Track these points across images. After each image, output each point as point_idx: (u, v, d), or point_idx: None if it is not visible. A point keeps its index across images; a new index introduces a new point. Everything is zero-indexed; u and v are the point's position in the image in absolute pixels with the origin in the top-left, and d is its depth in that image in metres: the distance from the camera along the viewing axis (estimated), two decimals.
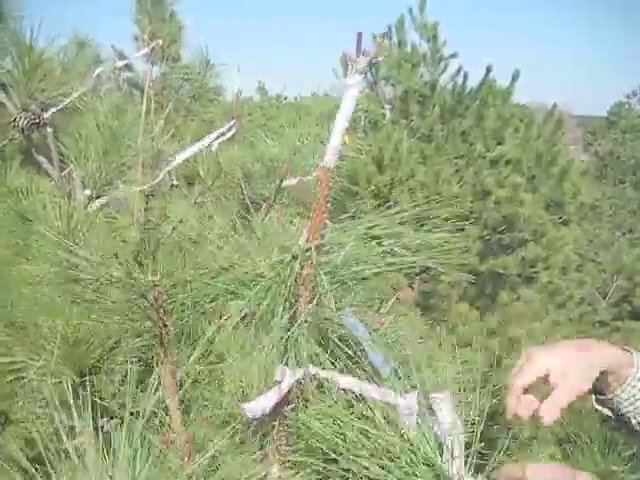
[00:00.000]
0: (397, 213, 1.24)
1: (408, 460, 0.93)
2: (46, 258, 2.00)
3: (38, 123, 2.11)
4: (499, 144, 9.51)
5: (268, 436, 1.15)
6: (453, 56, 10.26)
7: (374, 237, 1.21)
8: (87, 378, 2.08)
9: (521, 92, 10.19)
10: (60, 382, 2.10)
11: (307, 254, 1.15)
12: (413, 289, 9.91)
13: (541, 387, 1.19)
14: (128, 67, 4.23)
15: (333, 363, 1.16)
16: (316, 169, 1.19)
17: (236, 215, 3.75)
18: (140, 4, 3.60)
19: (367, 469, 0.94)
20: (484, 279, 9.50)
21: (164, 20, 3.59)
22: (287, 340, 1.11)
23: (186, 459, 1.18)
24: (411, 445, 0.94)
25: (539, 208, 8.98)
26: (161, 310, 1.16)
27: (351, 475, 0.97)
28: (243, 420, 1.20)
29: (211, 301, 1.16)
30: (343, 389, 1.09)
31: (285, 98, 18.04)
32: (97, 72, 3.25)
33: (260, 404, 1.06)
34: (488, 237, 9.58)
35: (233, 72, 3.86)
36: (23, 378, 2.22)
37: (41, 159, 2.20)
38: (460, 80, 9.94)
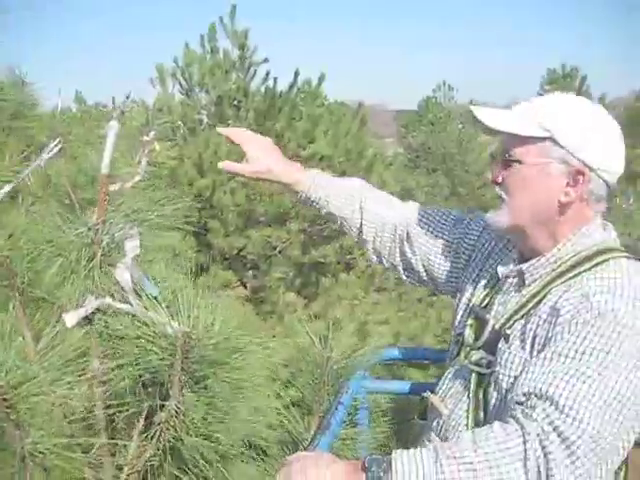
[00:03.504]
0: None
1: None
2: None
3: None
4: (311, 142, 10.18)
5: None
6: (264, 61, 10.81)
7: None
8: None
9: (339, 91, 10.92)
10: None
11: (97, 227, 1.68)
12: (245, 286, 10.40)
13: None
14: None
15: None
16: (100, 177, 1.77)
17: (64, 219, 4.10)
18: None
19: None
20: (308, 269, 10.12)
21: None
22: (92, 278, 1.64)
23: None
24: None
25: None
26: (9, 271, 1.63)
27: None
28: None
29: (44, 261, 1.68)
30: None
31: (104, 107, 17.88)
32: None
33: (73, 316, 1.57)
34: (309, 230, 10.21)
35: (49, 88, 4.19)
36: None
37: None
38: (271, 84, 10.51)
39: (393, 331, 9.51)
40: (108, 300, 1.62)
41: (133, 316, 1.59)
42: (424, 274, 2.43)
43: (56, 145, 4.03)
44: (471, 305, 2.19)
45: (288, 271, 9.90)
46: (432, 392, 2.18)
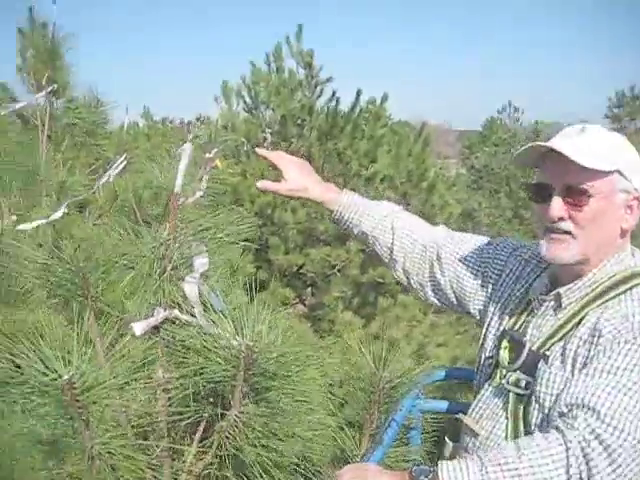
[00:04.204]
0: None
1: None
2: None
3: None
4: (373, 162, 10.25)
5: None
6: (329, 80, 10.93)
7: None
8: None
9: (403, 110, 10.99)
10: None
11: (168, 243, 1.78)
12: (304, 303, 10.48)
13: None
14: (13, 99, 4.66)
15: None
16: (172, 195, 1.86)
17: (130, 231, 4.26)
18: (38, 53, 4.09)
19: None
20: (366, 289, 10.15)
21: (61, 68, 4.10)
22: (162, 291, 1.72)
23: None
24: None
25: None
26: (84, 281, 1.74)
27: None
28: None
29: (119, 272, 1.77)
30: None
31: (171, 122, 18.28)
32: (2, 113, 3.69)
33: (141, 325, 1.65)
34: (369, 250, 10.23)
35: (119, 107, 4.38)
36: None
37: None
38: (334, 104, 10.62)
39: (451, 354, 9.46)
40: (175, 312, 1.71)
41: (199, 328, 1.68)
42: (452, 295, 2.48)
43: (123, 161, 4.20)
44: (503, 328, 2.23)
45: (346, 290, 9.94)
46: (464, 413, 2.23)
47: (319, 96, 10.95)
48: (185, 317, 1.72)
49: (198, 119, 18.11)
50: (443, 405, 2.72)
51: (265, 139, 10.54)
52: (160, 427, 1.78)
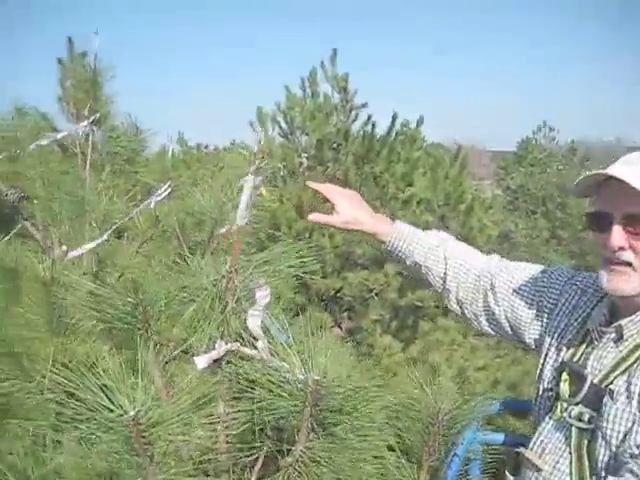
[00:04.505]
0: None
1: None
2: (36, 300, 2.53)
3: (24, 196, 2.57)
4: (409, 185, 10.23)
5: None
6: (364, 106, 10.97)
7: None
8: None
9: (436, 131, 10.99)
10: (50, 399, 2.60)
11: (230, 274, 1.74)
12: (341, 327, 10.44)
13: None
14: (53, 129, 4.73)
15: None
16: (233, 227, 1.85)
17: (173, 259, 4.27)
18: (78, 83, 4.14)
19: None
20: (405, 312, 10.09)
21: (100, 98, 4.16)
22: (224, 324, 1.70)
23: None
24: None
25: None
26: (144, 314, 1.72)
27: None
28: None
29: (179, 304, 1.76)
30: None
31: (205, 147, 18.44)
32: (44, 142, 3.73)
33: (204, 359, 1.63)
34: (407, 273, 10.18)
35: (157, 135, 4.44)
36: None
37: (27, 225, 2.66)
38: (369, 127, 10.64)
39: (491, 378, 9.35)
40: (237, 345, 1.69)
41: (262, 362, 1.65)
42: (507, 325, 2.42)
43: (167, 188, 4.22)
44: (562, 359, 2.18)
45: (384, 314, 9.89)
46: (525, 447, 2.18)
47: (354, 120, 11.00)
48: (247, 350, 1.70)
49: (232, 145, 18.27)
50: (500, 437, 2.67)
51: (301, 164, 10.57)
52: (221, 462, 1.75)
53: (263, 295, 1.69)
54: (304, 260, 1.77)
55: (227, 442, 1.74)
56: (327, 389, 1.49)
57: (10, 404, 3.01)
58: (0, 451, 3.16)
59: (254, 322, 1.66)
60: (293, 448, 1.58)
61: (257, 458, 1.81)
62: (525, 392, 8.90)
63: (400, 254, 2.51)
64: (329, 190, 2.51)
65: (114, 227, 3.66)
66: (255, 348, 1.68)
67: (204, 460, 1.72)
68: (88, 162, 4.16)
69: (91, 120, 4.20)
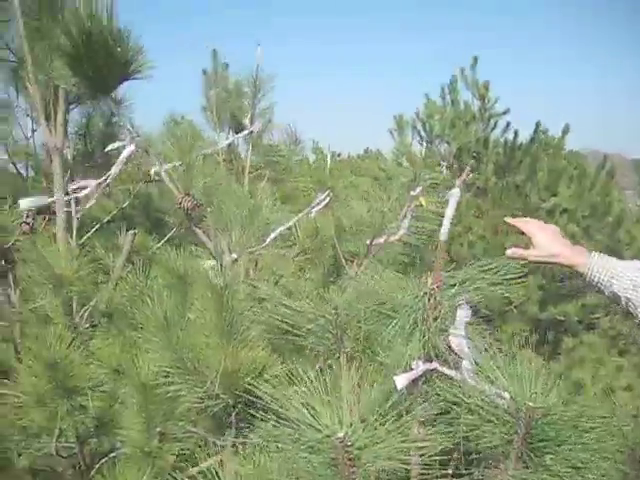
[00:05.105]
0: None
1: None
2: (208, 307, 2.57)
3: (197, 204, 2.61)
4: (553, 195, 9.89)
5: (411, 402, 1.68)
6: (505, 113, 10.72)
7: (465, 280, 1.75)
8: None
9: (574, 139, 10.62)
10: (218, 404, 2.64)
11: (432, 291, 1.66)
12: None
13: None
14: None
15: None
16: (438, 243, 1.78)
17: (328, 269, 4.29)
18: (240, 95, 4.23)
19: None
20: (545, 326, 9.76)
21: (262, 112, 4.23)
22: (424, 344, 1.63)
23: None
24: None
25: None
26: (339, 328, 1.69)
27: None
28: None
29: (374, 322, 1.70)
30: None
31: (339, 155, 18.55)
32: (209, 151, 3.80)
33: (403, 379, 1.57)
34: (548, 286, 9.86)
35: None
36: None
37: (198, 232, 2.71)
38: (511, 136, 10.38)
39: (638, 401, 8.90)
40: (436, 364, 1.63)
41: (463, 383, 1.59)
42: None
43: (325, 197, 4.23)
44: None
45: (524, 327, 9.61)
46: None
47: (494, 128, 10.75)
48: (447, 371, 1.63)
49: (366, 152, 18.32)
50: None
51: (441, 173, 10.42)
52: None
53: (464, 314, 1.63)
54: (508, 279, 1.69)
55: (421, 463, 1.68)
56: (541, 416, 1.40)
57: (176, 407, 3.08)
58: (160, 449, 3.25)
59: (458, 342, 1.60)
60: (497, 474, 1.50)
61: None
62: None
63: (599, 285, 2.45)
64: (529, 226, 2.49)
65: (274, 235, 3.69)
66: (453, 367, 1.62)
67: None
68: (247, 170, 4.22)
69: (250, 130, 4.27)
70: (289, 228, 3.96)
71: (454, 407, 1.58)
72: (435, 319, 1.64)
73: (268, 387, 1.60)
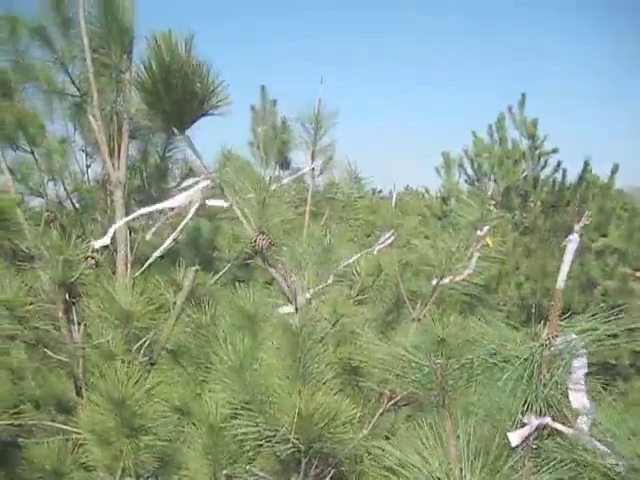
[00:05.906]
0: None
1: None
2: (282, 347, 2.52)
3: (272, 243, 2.57)
4: (603, 236, 9.72)
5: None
6: (554, 151, 10.60)
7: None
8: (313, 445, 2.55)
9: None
10: (289, 449, 2.57)
11: (547, 342, 1.58)
12: None
13: None
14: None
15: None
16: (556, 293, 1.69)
17: (389, 308, 4.22)
18: (305, 133, 4.22)
19: None
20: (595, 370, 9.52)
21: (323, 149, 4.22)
22: (536, 397, 1.55)
23: None
24: None
25: None
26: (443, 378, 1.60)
27: None
28: None
29: (480, 373, 1.62)
30: None
31: (380, 192, 18.46)
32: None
33: (517, 436, 1.49)
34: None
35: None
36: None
37: (272, 271, 2.66)
38: (559, 175, 10.25)
39: None
40: (549, 419, 1.55)
41: (576, 440, 1.50)
42: None
43: (390, 236, 4.18)
44: None
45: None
46: None
47: (543, 167, 10.64)
48: (562, 427, 1.55)
49: (406, 189, 18.23)
50: None
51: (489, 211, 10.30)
52: None
53: (580, 365, 1.55)
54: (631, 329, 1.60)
55: None
56: None
57: (243, 450, 3.00)
58: None
59: (578, 398, 1.51)
60: None
61: None
62: None
63: None
64: None
65: (338, 273, 3.64)
66: (571, 427, 1.53)
67: None
68: (308, 207, 4.18)
69: (311, 167, 4.24)
70: (348, 266, 3.91)
71: (561, 465, 1.49)
72: (550, 371, 1.56)
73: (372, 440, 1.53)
